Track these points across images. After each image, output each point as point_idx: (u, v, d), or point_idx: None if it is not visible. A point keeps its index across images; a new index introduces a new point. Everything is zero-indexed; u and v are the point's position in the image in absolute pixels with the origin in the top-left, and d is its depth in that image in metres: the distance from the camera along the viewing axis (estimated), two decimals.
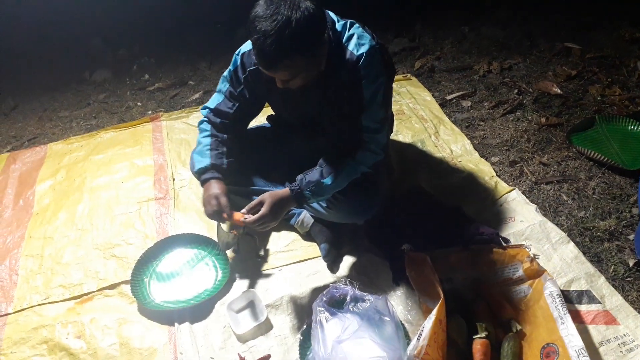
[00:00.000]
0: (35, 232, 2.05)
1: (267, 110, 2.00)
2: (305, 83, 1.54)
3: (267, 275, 1.80)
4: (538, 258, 1.72)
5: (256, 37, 1.34)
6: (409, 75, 2.91)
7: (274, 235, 1.95)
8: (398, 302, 1.66)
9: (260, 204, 1.61)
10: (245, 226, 1.64)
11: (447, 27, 3.43)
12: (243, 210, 1.60)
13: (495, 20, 3.44)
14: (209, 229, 2.00)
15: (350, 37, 1.57)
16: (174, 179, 2.26)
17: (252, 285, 1.77)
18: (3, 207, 2.21)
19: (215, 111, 1.79)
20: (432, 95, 2.72)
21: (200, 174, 1.73)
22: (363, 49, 1.54)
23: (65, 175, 2.34)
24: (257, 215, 1.59)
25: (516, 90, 2.71)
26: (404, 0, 3.79)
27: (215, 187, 1.68)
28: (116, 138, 2.57)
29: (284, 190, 1.64)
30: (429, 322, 1.36)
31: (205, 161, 1.72)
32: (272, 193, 1.63)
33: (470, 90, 2.75)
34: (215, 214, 1.66)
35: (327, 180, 1.62)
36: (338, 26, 1.58)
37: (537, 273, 1.62)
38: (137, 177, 2.28)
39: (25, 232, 2.06)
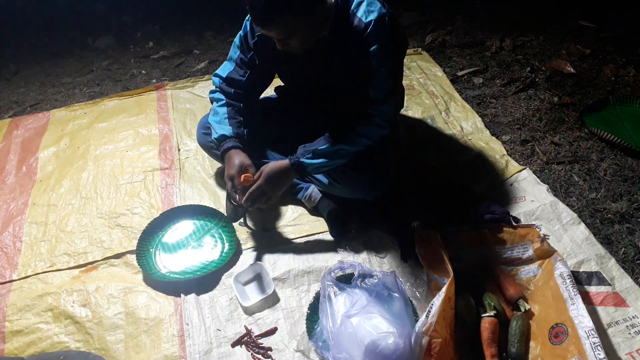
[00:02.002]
0: (39, 199, 2.03)
1: (276, 82, 1.96)
2: (305, 45, 1.51)
3: (274, 249, 1.78)
4: (548, 238, 1.71)
5: None
6: (419, 49, 2.85)
7: (282, 209, 1.93)
8: (406, 278, 1.64)
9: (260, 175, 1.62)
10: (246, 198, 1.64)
11: (459, 0, 3.35)
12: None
13: None
14: (215, 200, 1.98)
15: (360, 3, 1.52)
16: (179, 149, 2.23)
17: (259, 258, 1.76)
18: (6, 173, 2.17)
19: (227, 80, 1.77)
20: (443, 70, 2.67)
21: (221, 141, 1.70)
22: (372, 16, 1.50)
23: (69, 143, 2.31)
24: (252, 187, 1.60)
25: (529, 68, 2.66)
26: None
27: (242, 156, 1.65)
28: (120, 106, 2.52)
29: (284, 161, 1.63)
30: (438, 300, 1.34)
31: (226, 129, 1.70)
32: (271, 164, 1.63)
33: (482, 66, 2.70)
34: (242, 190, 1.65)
35: (323, 148, 1.60)
36: None
37: (547, 253, 1.61)
38: (142, 147, 2.24)
39: (28, 199, 2.03)
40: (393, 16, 1.58)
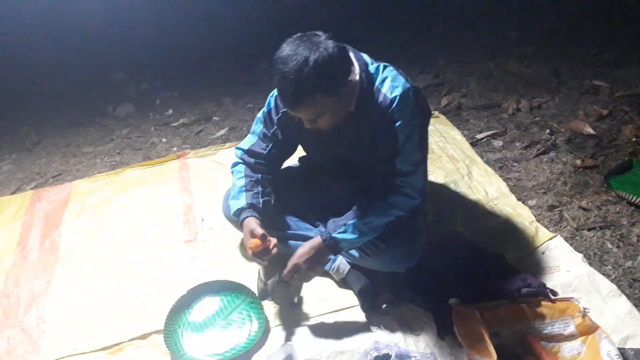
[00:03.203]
0: (63, 276, 1.99)
1: (300, 152, 1.96)
2: (333, 123, 1.54)
3: (304, 326, 1.73)
4: (589, 312, 1.64)
5: (277, 79, 1.40)
6: (436, 112, 2.88)
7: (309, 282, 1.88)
8: (444, 358, 1.58)
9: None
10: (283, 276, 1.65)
11: (472, 62, 3.42)
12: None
13: (520, 56, 3.42)
14: (241, 272, 1.94)
15: (384, 79, 1.56)
16: (203, 220, 2.21)
17: (288, 337, 1.70)
18: (28, 249, 2.15)
19: (249, 152, 1.80)
20: (462, 133, 2.68)
21: (238, 216, 1.72)
22: (397, 92, 1.53)
23: (92, 216, 2.29)
24: (288, 267, 1.62)
25: (548, 130, 2.66)
26: (425, 34, 3.80)
27: (252, 223, 1.66)
28: (142, 176, 2.53)
29: (316, 238, 1.63)
30: None
31: (241, 203, 1.72)
32: (306, 243, 1.63)
33: (500, 129, 2.71)
34: (257, 255, 1.64)
35: (356, 222, 1.59)
36: (371, 68, 1.58)
37: (590, 329, 1.55)
38: (166, 219, 2.23)
39: (52, 276, 1.99)
40: (417, 89, 1.61)
